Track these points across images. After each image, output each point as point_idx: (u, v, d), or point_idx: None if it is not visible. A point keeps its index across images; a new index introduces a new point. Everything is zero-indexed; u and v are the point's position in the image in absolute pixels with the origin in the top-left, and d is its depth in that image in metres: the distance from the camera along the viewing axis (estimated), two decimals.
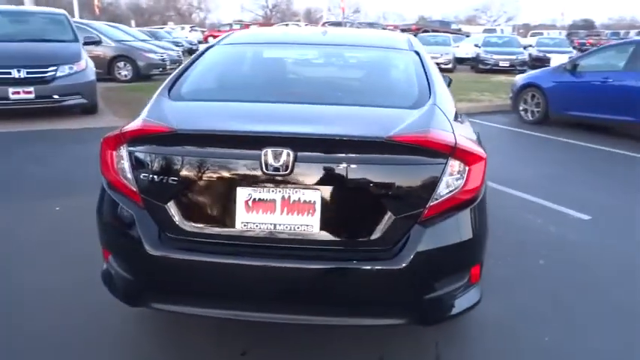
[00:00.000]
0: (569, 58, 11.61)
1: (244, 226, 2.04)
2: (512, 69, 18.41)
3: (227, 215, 2.06)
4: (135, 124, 2.16)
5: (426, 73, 2.68)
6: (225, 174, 2.03)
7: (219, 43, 3.04)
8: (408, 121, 2.13)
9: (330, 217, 2.01)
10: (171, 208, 2.08)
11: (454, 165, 2.02)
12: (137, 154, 2.11)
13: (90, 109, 8.56)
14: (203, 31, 42.75)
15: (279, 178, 1.98)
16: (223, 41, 3.08)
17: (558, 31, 40.65)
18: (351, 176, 2.00)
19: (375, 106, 2.38)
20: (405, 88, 2.62)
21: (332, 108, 2.39)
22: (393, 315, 2.08)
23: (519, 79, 9.40)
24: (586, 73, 8.03)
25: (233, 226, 2.05)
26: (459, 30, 36.84)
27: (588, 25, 71.08)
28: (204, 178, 2.04)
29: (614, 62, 7.88)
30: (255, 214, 2.03)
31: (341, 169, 1.99)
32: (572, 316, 2.84)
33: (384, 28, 35.29)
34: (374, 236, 2.02)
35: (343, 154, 1.99)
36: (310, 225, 2.01)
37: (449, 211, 2.05)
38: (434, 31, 35.18)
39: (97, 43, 11.50)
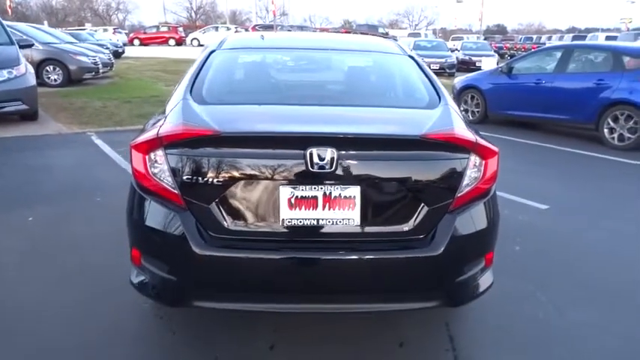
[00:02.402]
0: (498, 61, 12.41)
1: (288, 222, 2.15)
2: (442, 71, 19.34)
3: (270, 213, 2.16)
4: (174, 128, 2.20)
5: (426, 75, 2.91)
6: (268, 173, 2.13)
7: (221, 48, 3.09)
8: (432, 120, 2.34)
9: (369, 210, 2.17)
10: (215, 208, 2.16)
11: (474, 159, 2.25)
12: (177, 157, 2.16)
13: (31, 116, 8.15)
14: (127, 33, 41.26)
15: (322, 175, 2.11)
16: (224, 46, 3.13)
17: (476, 36, 43.02)
18: (387, 171, 2.18)
19: (396, 106, 2.57)
20: (415, 89, 2.81)
21: (359, 109, 2.56)
22: (427, 298, 2.27)
23: (458, 81, 9.98)
24: (520, 76, 8.70)
25: (277, 222, 2.16)
26: (387, 34, 38.00)
27: (501, 31, 75.71)
28: (247, 179, 2.14)
29: (545, 65, 8.59)
30: (297, 211, 2.15)
31: (378, 165, 2.16)
32: (553, 293, 3.17)
33: (313, 31, 35.77)
34: (409, 227, 2.20)
35: (381, 152, 2.17)
36: (351, 219, 2.16)
37: (471, 201, 2.28)
38: (362, 34, 36.22)
39: (30, 46, 10.89)
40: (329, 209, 2.16)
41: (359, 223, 2.17)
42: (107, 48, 23.54)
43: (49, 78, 12.93)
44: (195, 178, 2.14)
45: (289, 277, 2.18)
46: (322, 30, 39.39)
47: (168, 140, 2.17)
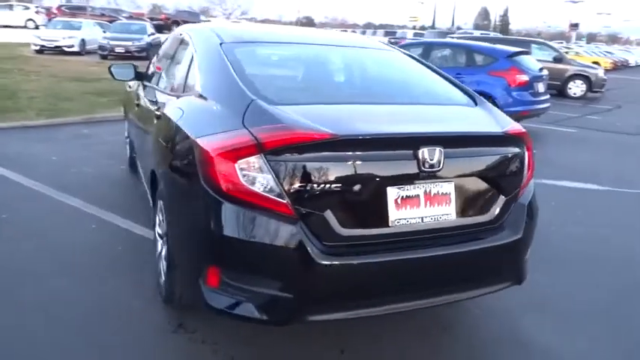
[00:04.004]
0: None
1: (397, 223, 2.15)
2: None
3: (380, 215, 2.13)
4: (280, 133, 2.00)
5: (431, 69, 3.08)
6: (377, 175, 2.10)
7: (229, 42, 2.83)
8: (496, 117, 2.53)
9: (461, 204, 2.28)
10: (329, 215, 2.04)
11: (526, 151, 2.51)
12: (282, 163, 1.99)
13: None
14: None
15: (425, 174, 2.15)
16: (228, 39, 2.85)
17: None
18: (475, 167, 2.32)
19: (448, 104, 2.68)
20: (444, 85, 2.92)
21: (425, 107, 2.63)
22: (503, 280, 2.45)
23: None
24: None
25: (386, 224, 2.14)
26: (209, 22, 37.13)
27: (309, 23, 79.75)
28: (357, 182, 2.07)
29: None
30: (404, 211, 2.16)
31: (468, 161, 2.29)
32: None
33: (131, 17, 33.30)
34: (491, 216, 2.37)
35: (471, 148, 2.30)
36: (449, 214, 2.25)
37: (526, 189, 2.54)
38: (183, 21, 34.85)
39: None
40: (430, 206, 2.21)
41: (455, 218, 2.26)
42: None
43: None
44: (306, 185, 2.00)
45: (402, 277, 2.17)
46: (137, 15, 36.77)
47: (272, 146, 1.98)
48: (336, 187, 2.03)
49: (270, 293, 2.05)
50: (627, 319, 2.98)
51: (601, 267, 3.64)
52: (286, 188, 2.00)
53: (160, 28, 26.47)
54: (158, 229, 2.93)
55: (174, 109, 2.67)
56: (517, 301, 2.95)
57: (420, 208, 2.19)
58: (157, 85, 3.59)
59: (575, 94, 15.03)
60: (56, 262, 3.28)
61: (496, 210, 2.37)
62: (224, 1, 70.53)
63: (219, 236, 2.07)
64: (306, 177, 2.00)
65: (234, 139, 2.05)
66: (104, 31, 21.17)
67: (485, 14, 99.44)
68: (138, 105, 3.84)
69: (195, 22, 30.54)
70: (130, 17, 32.31)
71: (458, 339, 2.73)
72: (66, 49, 19.13)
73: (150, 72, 4.26)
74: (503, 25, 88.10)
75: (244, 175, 2.01)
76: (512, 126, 2.44)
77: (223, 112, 2.30)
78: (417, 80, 2.98)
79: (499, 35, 28.29)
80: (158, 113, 2.90)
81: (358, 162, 2.06)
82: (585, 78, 15.15)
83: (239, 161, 2.01)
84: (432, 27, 52.16)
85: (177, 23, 34.49)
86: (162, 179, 2.58)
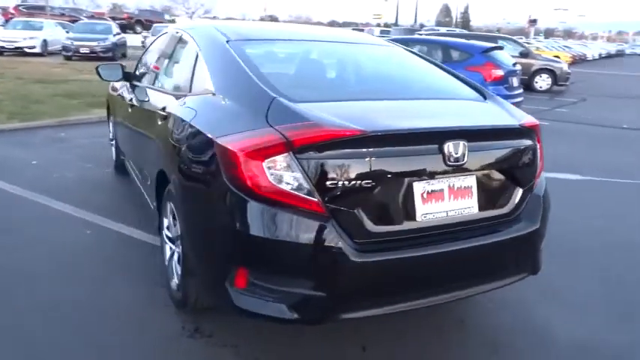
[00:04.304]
0: None
1: (423, 217, 2.16)
2: None
3: (406, 210, 2.13)
4: (309, 130, 1.97)
5: (437, 65, 3.11)
6: (405, 170, 2.11)
7: (236, 39, 2.78)
8: (509, 110, 2.56)
9: (482, 197, 2.30)
10: (360, 212, 2.04)
11: (537, 142, 2.56)
12: (312, 161, 1.97)
13: None
14: None
15: (448, 168, 2.16)
16: (234, 37, 2.81)
17: None
18: (494, 159, 2.34)
19: (460, 98, 2.70)
20: (451, 80, 2.94)
21: (441, 102, 2.63)
22: (521, 271, 2.49)
23: None
24: None
25: (414, 219, 2.14)
26: (174, 21, 36.53)
27: (273, 20, 79.41)
28: (386, 178, 2.07)
29: None
30: (429, 205, 2.17)
31: (488, 154, 2.32)
32: None
33: (92, 16, 32.45)
34: (510, 208, 2.40)
35: (491, 142, 2.32)
36: (471, 207, 2.27)
37: (539, 180, 2.59)
38: (147, 21, 34.16)
39: None
40: (454, 200, 2.22)
41: (477, 211, 2.29)
42: None
43: None
44: (336, 182, 1.98)
45: (431, 272, 2.19)
46: (98, 15, 35.82)
47: (301, 144, 1.96)
48: (365, 183, 2.02)
49: (303, 292, 2.03)
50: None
51: (603, 258, 3.76)
52: (316, 186, 1.98)
53: (123, 28, 25.83)
54: (167, 233, 2.86)
55: (184, 109, 2.61)
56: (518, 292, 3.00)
57: (445, 202, 2.20)
58: (154, 84, 3.50)
59: (541, 87, 15.45)
60: (59, 270, 3.16)
61: (514, 202, 2.41)
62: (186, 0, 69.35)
63: (248, 236, 2.03)
64: (335, 174, 1.99)
65: (260, 137, 2.01)
66: (67, 32, 20.54)
67: (446, 11, 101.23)
68: (132, 106, 3.73)
69: (159, 22, 30.10)
70: (92, 17, 31.42)
71: (475, 332, 2.78)
72: (27, 50, 18.51)
73: (139, 72, 4.16)
74: (465, 22, 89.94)
75: (272, 174, 1.98)
76: (527, 118, 2.49)
77: (243, 110, 2.26)
78: (427, 76, 3.00)
79: (465, 31, 28.74)
80: (164, 114, 2.83)
81: (386, 158, 2.07)
82: (551, 72, 15.59)
83: (267, 160, 1.98)
84: (396, 24, 52.61)
85: (140, 23, 33.86)
86: (176, 181, 2.51)
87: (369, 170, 2.02)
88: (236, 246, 2.09)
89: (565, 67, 16.18)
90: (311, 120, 2.02)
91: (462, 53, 8.68)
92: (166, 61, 3.41)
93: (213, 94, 2.49)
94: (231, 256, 2.13)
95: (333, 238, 1.99)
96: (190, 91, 2.77)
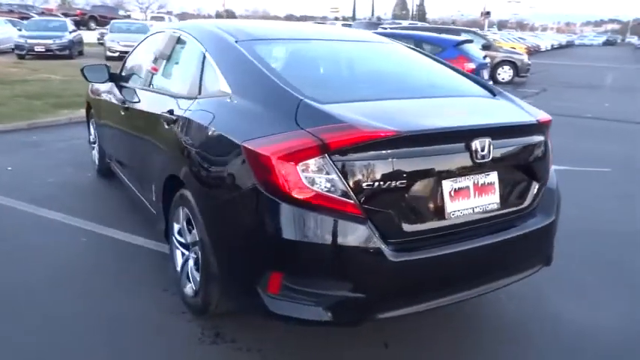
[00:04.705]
0: None
1: (452, 215, 2.19)
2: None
3: (438, 209, 2.17)
4: (344, 133, 1.96)
5: (441, 62, 3.15)
6: (435, 169, 2.13)
7: (245, 40, 2.73)
8: (522, 106, 2.62)
9: (504, 192, 2.36)
10: (394, 212, 2.05)
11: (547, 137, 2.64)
12: (348, 162, 1.97)
13: None
14: None
15: (475, 165, 2.21)
16: (242, 37, 2.77)
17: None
18: (514, 155, 2.41)
19: (473, 95, 2.73)
20: (460, 77, 2.98)
21: (462, 100, 2.68)
22: (537, 263, 2.56)
23: None
24: None
25: (444, 217, 2.18)
26: (129, 16, 35.59)
27: (230, 15, 78.37)
28: (418, 177, 2.09)
29: None
30: (457, 202, 2.21)
31: (509, 150, 2.37)
32: None
33: (43, 13, 31.22)
34: (529, 201, 2.47)
35: (511, 138, 2.37)
36: (494, 202, 2.32)
37: (551, 174, 2.67)
38: (101, 17, 33.10)
39: None
40: (478, 196, 2.27)
41: (499, 207, 2.34)
42: None
43: None
44: (371, 183, 1.99)
45: (461, 268, 2.22)
46: (48, 11, 34.42)
47: (337, 146, 1.95)
48: (398, 183, 2.04)
49: (341, 294, 2.03)
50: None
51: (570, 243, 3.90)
52: (352, 188, 1.98)
53: (76, 25, 24.93)
54: (178, 238, 2.80)
55: (199, 112, 2.55)
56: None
57: (471, 199, 2.25)
58: (152, 86, 3.40)
59: (503, 79, 15.86)
60: (63, 281, 3.05)
61: (532, 195, 2.48)
62: None
63: (284, 240, 2.01)
64: (370, 175, 2.00)
65: (293, 140, 1.99)
66: (19, 29, 19.66)
67: (402, 4, 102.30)
68: (126, 109, 3.61)
69: (114, 18, 29.16)
70: (42, 13, 30.20)
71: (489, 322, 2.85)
72: None
73: (127, 73, 4.05)
74: (420, 15, 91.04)
75: (306, 177, 1.97)
76: (541, 114, 2.55)
77: (268, 113, 2.22)
78: (437, 73, 3.03)
79: (426, 25, 29.14)
80: (172, 117, 2.76)
81: (418, 157, 2.09)
82: (512, 64, 16.03)
83: (301, 163, 1.97)
84: (353, 18, 52.81)
85: (94, 19, 32.76)
86: (195, 186, 2.46)
87: (401, 170, 2.04)
88: (270, 250, 2.07)
89: (525, 58, 16.67)
90: (345, 122, 2.01)
91: (434, 47, 8.81)
92: (164, 62, 3.32)
93: (230, 97, 2.45)
94: (264, 260, 2.11)
95: (371, 239, 2.00)
96: (200, 93, 2.71)
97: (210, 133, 2.38)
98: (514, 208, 2.43)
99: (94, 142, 5.07)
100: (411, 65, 3.14)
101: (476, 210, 2.27)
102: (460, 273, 2.25)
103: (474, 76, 3.01)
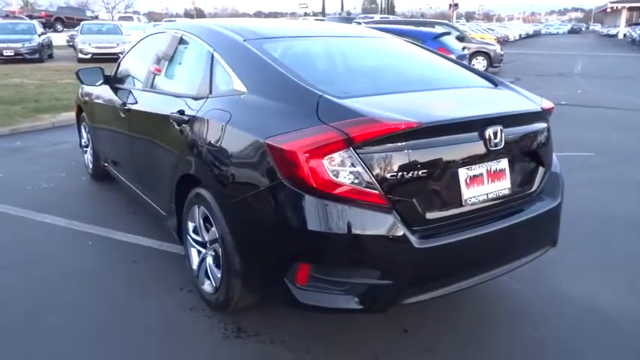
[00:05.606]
0: None
1: (468, 201, 2.29)
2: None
3: (455, 196, 2.26)
4: (368, 126, 2.03)
5: (439, 55, 3.25)
6: (452, 158, 2.23)
7: (255, 38, 2.78)
8: (524, 94, 2.75)
9: (514, 178, 2.47)
10: (416, 201, 2.14)
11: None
12: (372, 155, 2.05)
13: None
14: None
15: (489, 153, 2.31)
16: (251, 36, 2.81)
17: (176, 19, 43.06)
18: (522, 141, 2.51)
19: (478, 86, 2.83)
20: (461, 69, 3.09)
21: (471, 90, 2.78)
22: (545, 244, 2.68)
23: None
24: None
25: (461, 204, 2.27)
26: (97, 17, 34.90)
27: (199, 14, 77.57)
28: (437, 166, 2.18)
29: None
30: (472, 189, 2.31)
31: (517, 137, 2.48)
32: None
33: (7, 16, 30.36)
34: (535, 186, 2.59)
35: (520, 126, 2.49)
36: (506, 188, 2.43)
37: (554, 158, 2.79)
38: (67, 19, 32.40)
39: None
40: (491, 183, 2.37)
41: (510, 192, 2.45)
42: None
43: None
44: (394, 174, 2.07)
45: (479, 252, 2.32)
46: (11, 13, 33.47)
47: (362, 139, 2.02)
48: (419, 173, 2.12)
49: (370, 282, 2.11)
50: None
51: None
52: (377, 179, 2.06)
53: (42, 27, 24.37)
54: (194, 237, 2.84)
55: (214, 111, 2.58)
56: None
57: (484, 185, 2.35)
58: (154, 87, 3.41)
59: None
60: (78, 286, 3.05)
61: (538, 180, 2.60)
62: None
63: (312, 233, 2.07)
64: (393, 166, 2.07)
65: (318, 135, 2.05)
66: None
67: None
68: (127, 110, 3.60)
69: (82, 19, 28.53)
70: (7, 16, 29.38)
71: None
72: None
73: (122, 75, 4.03)
74: (390, 8, 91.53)
75: (333, 170, 2.04)
76: (545, 102, 2.67)
77: (288, 109, 2.28)
78: (440, 66, 3.12)
79: (398, 18, 29.38)
80: (183, 117, 2.78)
81: (437, 147, 2.17)
82: (486, 54, 16.35)
83: (326, 157, 2.03)
84: (323, 13, 52.84)
85: (61, 21, 32.05)
86: (214, 184, 2.50)
87: (421, 160, 2.12)
88: (298, 243, 2.13)
89: (498, 49, 17.03)
90: (367, 115, 2.09)
91: (413, 40, 8.91)
92: (167, 63, 3.33)
93: (244, 95, 2.49)
94: (292, 253, 2.16)
95: (397, 228, 2.08)
96: (211, 92, 2.74)
97: (228, 131, 2.42)
98: (523, 193, 2.54)
99: (87, 146, 5.02)
100: (415, 59, 3.23)
101: (489, 196, 2.37)
102: (478, 256, 2.35)
103: (473, 67, 3.11)
